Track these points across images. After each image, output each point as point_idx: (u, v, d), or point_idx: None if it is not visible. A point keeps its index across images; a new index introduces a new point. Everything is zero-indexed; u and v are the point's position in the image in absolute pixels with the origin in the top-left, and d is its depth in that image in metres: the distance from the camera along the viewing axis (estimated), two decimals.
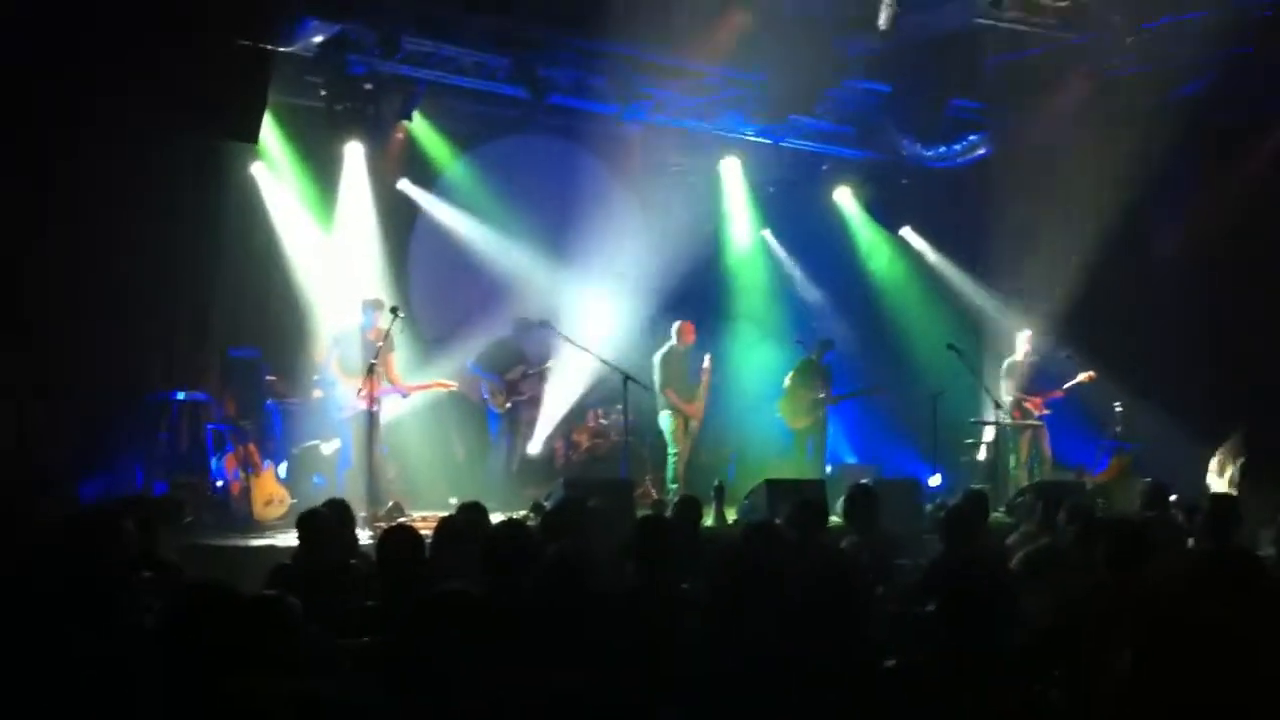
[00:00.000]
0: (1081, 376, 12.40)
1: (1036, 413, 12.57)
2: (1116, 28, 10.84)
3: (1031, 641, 4.57)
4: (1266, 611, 4.09)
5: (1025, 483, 11.56)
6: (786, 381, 12.94)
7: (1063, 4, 10.58)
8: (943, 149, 12.92)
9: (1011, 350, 12.81)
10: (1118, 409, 12.43)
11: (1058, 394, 12.52)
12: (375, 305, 10.33)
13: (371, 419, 9.82)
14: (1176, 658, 3.49)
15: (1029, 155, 12.54)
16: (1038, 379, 12.63)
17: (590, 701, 2.82)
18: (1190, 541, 6.80)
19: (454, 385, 11.33)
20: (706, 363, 12.21)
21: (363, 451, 9.90)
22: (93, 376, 9.54)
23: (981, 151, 12.86)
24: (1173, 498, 8.20)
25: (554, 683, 3.04)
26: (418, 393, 10.73)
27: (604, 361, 11.20)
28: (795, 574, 4.72)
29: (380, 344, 9.87)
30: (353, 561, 6.12)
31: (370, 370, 9.64)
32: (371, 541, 7.13)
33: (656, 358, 11.97)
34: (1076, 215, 12.30)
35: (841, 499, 9.45)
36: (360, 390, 9.71)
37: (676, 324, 12.22)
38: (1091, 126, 11.92)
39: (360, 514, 8.21)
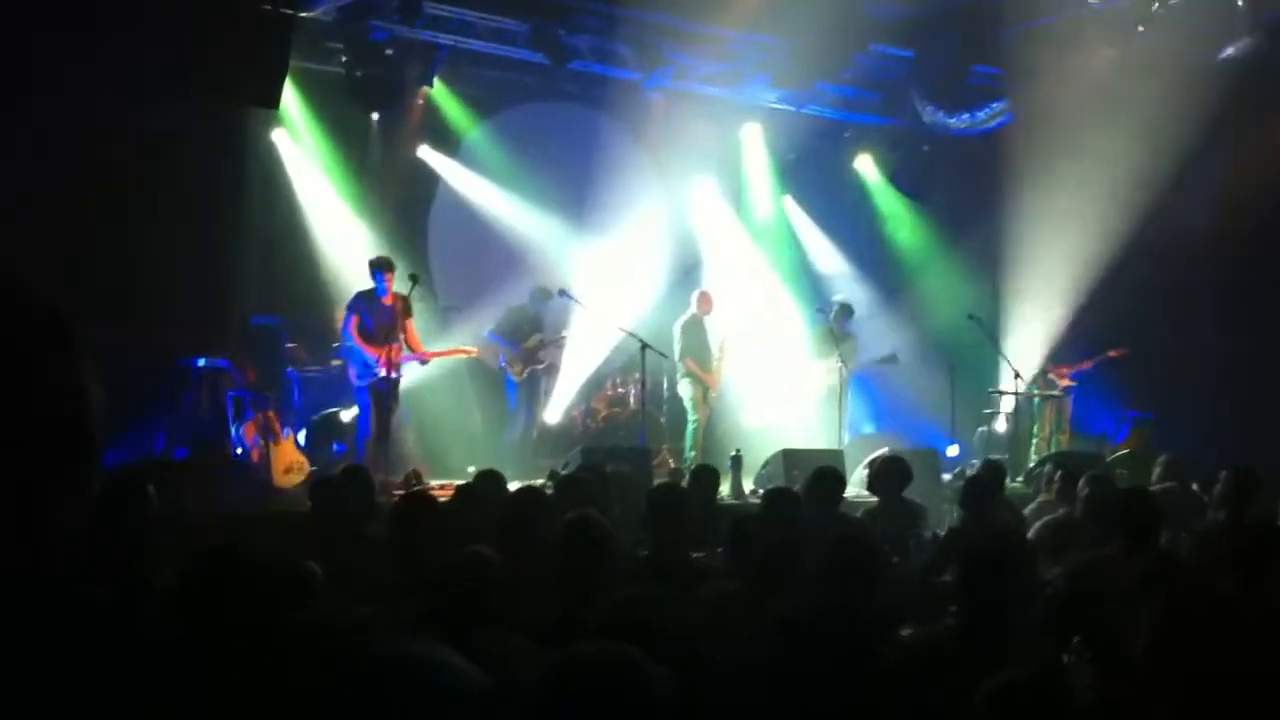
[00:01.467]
0: (1111, 351, 12.36)
1: (1061, 384, 12.54)
2: None
3: (1048, 611, 4.56)
4: None
5: (1047, 453, 11.55)
6: (806, 349, 12.92)
7: None
8: (965, 116, 12.80)
9: (1036, 321, 12.76)
10: (1139, 381, 12.36)
11: (1085, 365, 12.48)
12: (383, 266, 10.05)
13: (389, 386, 9.84)
14: (1194, 630, 3.48)
15: (1053, 122, 12.42)
16: (1065, 351, 12.59)
17: (604, 668, 2.82)
18: (1208, 513, 6.78)
19: (474, 351, 11.31)
20: (726, 331, 12.19)
21: (382, 419, 9.93)
22: (114, 343, 9.56)
23: (1004, 118, 12.75)
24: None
25: (568, 648, 3.04)
26: (435, 360, 10.70)
27: (622, 329, 11.19)
28: (813, 543, 4.72)
29: (397, 308, 9.88)
30: (369, 528, 6.15)
31: (387, 336, 9.65)
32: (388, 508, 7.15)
33: (676, 326, 11.95)
34: (1102, 183, 12.17)
35: (859, 468, 9.46)
36: (379, 356, 9.72)
37: (696, 292, 12.19)
38: (1117, 94, 11.79)
39: (378, 481, 8.24)
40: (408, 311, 10.07)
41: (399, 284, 10.04)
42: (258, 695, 3.08)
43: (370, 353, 9.80)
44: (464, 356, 11.13)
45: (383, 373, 9.73)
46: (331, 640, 3.19)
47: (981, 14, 11.30)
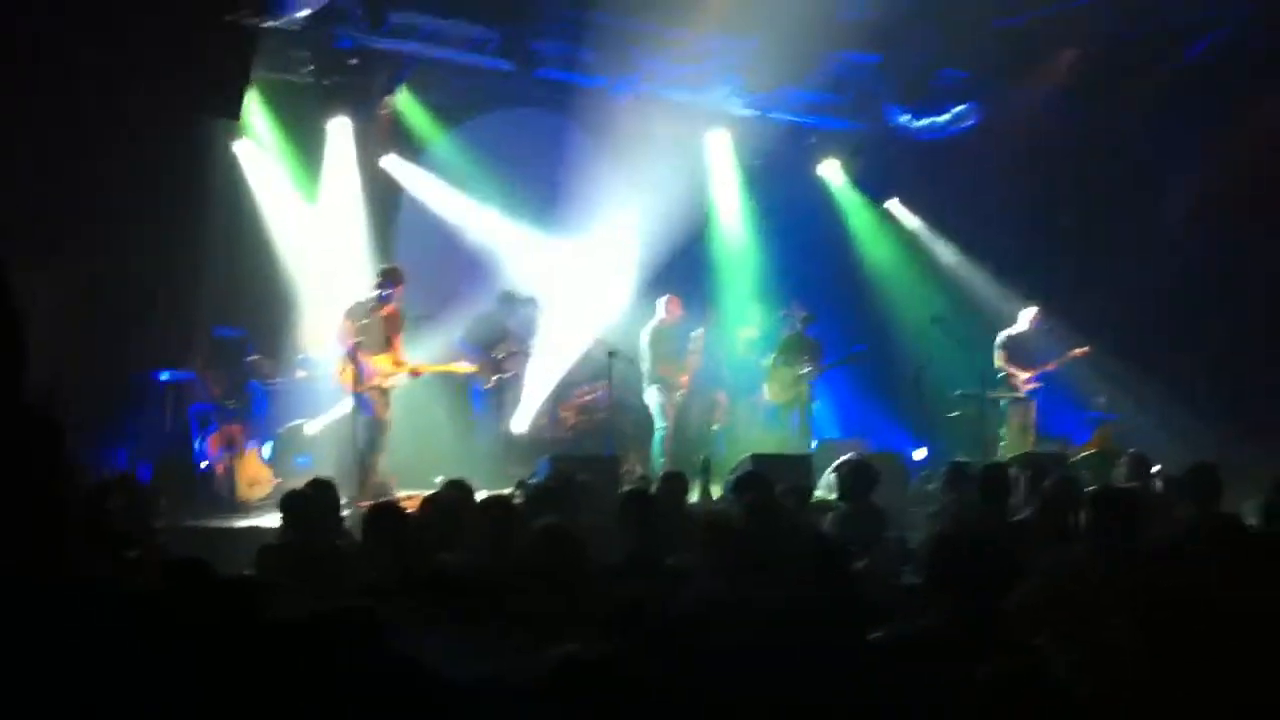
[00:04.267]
0: (1075, 351, 12.42)
1: (1025, 386, 12.59)
2: None
3: (1019, 612, 4.58)
4: (1254, 578, 4.10)
5: (1013, 455, 11.59)
6: (771, 356, 12.95)
7: None
8: (932, 119, 12.86)
9: (1002, 323, 12.84)
10: (1102, 381, 12.45)
11: (1049, 367, 12.54)
12: (395, 278, 10.00)
13: (381, 395, 9.88)
14: (1171, 628, 3.50)
15: (1021, 124, 12.47)
16: (1030, 353, 12.66)
17: (579, 673, 2.82)
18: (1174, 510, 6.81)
19: (474, 369, 11.24)
20: (695, 337, 12.20)
21: (374, 429, 9.87)
22: (77, 356, 9.48)
23: (970, 121, 12.80)
24: (1156, 468, 8.23)
25: (542, 655, 3.04)
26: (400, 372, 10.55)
27: (590, 336, 11.16)
28: (785, 549, 4.73)
29: (392, 320, 9.88)
30: (338, 541, 6.11)
31: (380, 346, 9.71)
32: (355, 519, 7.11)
33: (644, 333, 11.95)
34: (1070, 184, 12.24)
35: (827, 472, 9.48)
36: (372, 366, 9.73)
37: (663, 299, 12.20)
38: (1085, 94, 11.84)
39: (345, 493, 8.18)
40: (398, 326, 10.03)
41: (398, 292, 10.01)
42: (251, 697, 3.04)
43: (364, 361, 9.70)
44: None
45: (376, 381, 9.78)
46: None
47: (948, 16, 11.33)
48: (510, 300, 11.90)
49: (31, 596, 2.16)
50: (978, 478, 7.24)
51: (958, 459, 10.21)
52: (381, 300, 9.88)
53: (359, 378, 9.65)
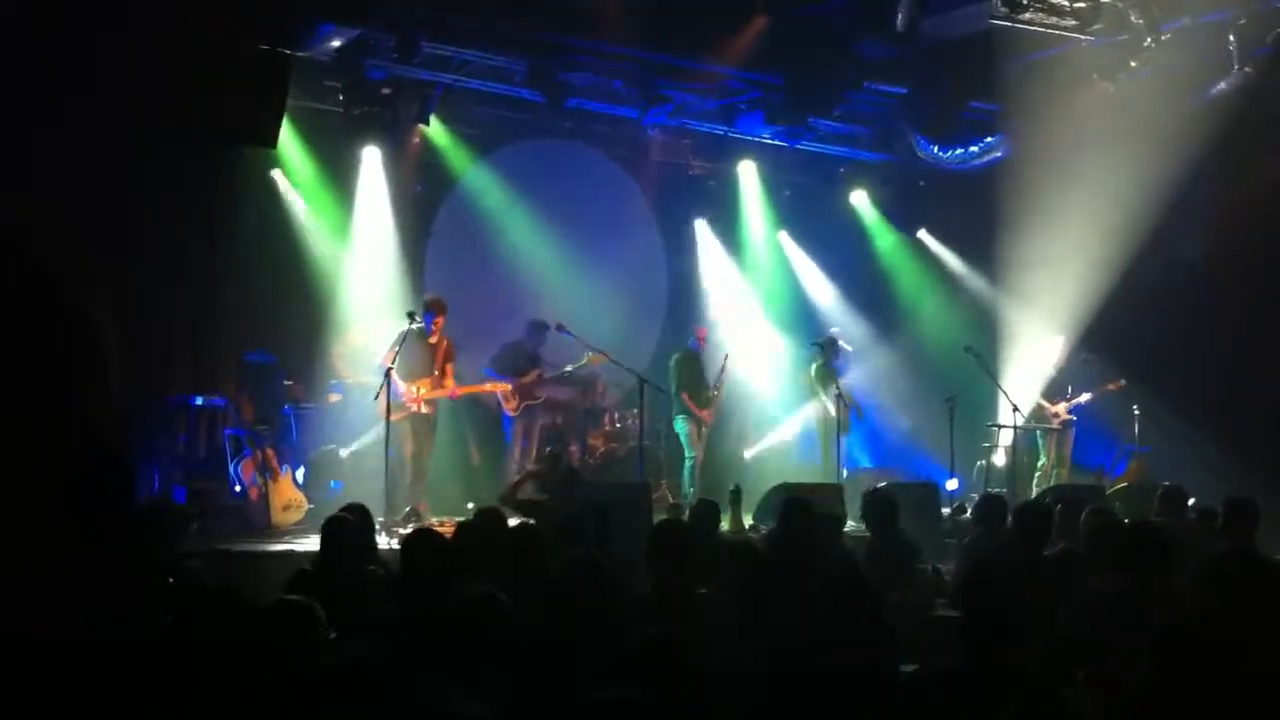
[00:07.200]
0: (1110, 384, 12.36)
1: (1058, 420, 12.52)
2: (1135, 29, 10.75)
3: (1051, 647, 4.55)
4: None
5: (1046, 486, 11.53)
6: (804, 385, 12.94)
7: (1080, 5, 10.48)
8: (960, 151, 12.86)
9: (1034, 353, 12.79)
10: (1136, 413, 12.38)
11: (1083, 399, 12.48)
12: (432, 307, 10.45)
13: (421, 421, 10.26)
14: (1198, 666, 3.48)
15: (1047, 157, 12.46)
16: (1063, 385, 12.60)
17: (614, 707, 2.82)
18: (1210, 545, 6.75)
19: (506, 387, 11.38)
20: (722, 366, 12.19)
21: (414, 453, 10.24)
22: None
23: (999, 154, 12.80)
24: (1191, 501, 8.16)
25: (579, 689, 3.05)
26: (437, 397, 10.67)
27: (620, 365, 11.18)
28: (814, 579, 4.72)
29: (440, 349, 10.27)
30: (372, 567, 6.13)
31: (424, 374, 10.17)
32: (389, 546, 7.14)
33: (673, 361, 11.96)
34: (1097, 217, 12.21)
35: (860, 503, 9.44)
36: (409, 393, 10.08)
37: (694, 328, 12.21)
38: (1112, 128, 11.83)
39: (379, 518, 8.22)
40: (450, 355, 10.44)
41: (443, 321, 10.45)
42: None
43: (402, 389, 10.08)
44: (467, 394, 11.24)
45: (413, 408, 10.21)
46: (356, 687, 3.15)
47: (976, 50, 11.34)
48: (539, 328, 11.94)
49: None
50: (1014, 512, 7.16)
51: (990, 490, 10.17)
52: (428, 330, 10.26)
53: (395, 403, 9.85)
